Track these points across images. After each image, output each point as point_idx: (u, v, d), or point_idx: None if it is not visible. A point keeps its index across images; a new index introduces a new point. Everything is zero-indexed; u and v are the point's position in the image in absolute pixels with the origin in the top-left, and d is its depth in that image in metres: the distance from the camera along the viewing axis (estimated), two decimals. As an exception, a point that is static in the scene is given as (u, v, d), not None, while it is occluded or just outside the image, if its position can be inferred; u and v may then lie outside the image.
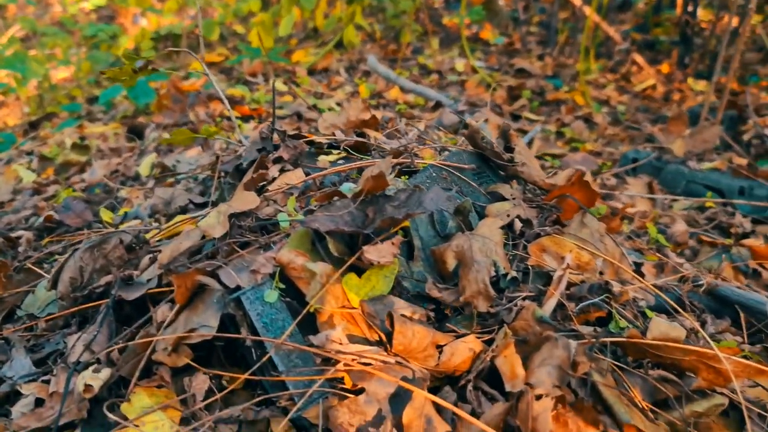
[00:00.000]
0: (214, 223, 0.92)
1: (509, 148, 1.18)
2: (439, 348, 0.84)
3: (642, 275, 1.09)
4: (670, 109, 2.83)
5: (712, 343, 0.80)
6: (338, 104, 2.50)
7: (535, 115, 2.65)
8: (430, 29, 4.41)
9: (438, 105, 2.25)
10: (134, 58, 1.18)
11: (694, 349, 0.80)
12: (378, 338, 0.84)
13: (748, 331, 1.03)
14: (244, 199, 0.94)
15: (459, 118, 2.17)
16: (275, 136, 1.22)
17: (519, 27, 4.25)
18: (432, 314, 0.91)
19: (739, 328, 1.04)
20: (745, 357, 0.99)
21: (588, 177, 1.11)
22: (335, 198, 0.94)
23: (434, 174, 1.07)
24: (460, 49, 4.05)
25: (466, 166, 1.10)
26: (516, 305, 0.90)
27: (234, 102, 2.49)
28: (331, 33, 3.79)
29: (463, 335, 0.86)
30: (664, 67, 3.91)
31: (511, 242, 1.05)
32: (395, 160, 1.09)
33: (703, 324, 1.01)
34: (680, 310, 0.97)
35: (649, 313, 1.00)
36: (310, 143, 1.26)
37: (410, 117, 2.23)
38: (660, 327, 0.82)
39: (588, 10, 3.58)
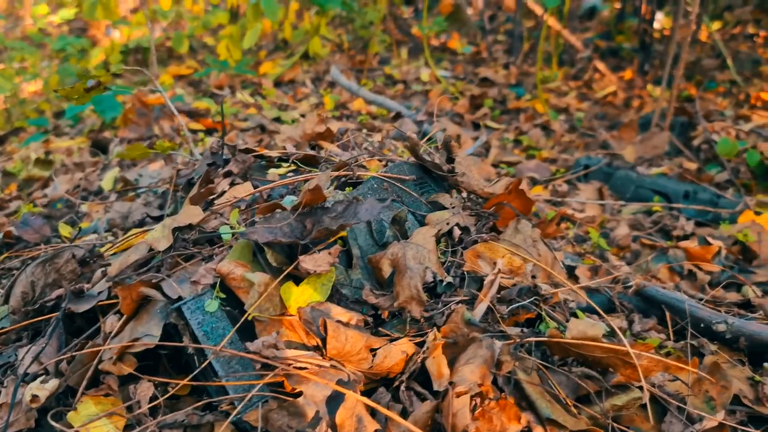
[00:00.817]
0: (160, 236, 0.96)
1: (451, 159, 1.23)
2: (374, 351, 0.88)
3: (576, 278, 1.15)
4: (627, 116, 2.92)
5: (624, 340, 0.85)
6: (302, 116, 2.55)
7: (496, 124, 2.72)
8: (395, 39, 4.48)
9: (398, 116, 2.30)
10: (87, 76, 1.21)
11: (609, 347, 0.85)
12: (315, 344, 0.88)
13: (674, 328, 1.09)
14: (189, 214, 0.98)
15: (418, 128, 2.23)
16: (227, 150, 1.26)
17: (485, 36, 4.34)
18: (370, 319, 0.95)
19: (665, 326, 1.10)
20: (667, 353, 1.05)
21: (524, 186, 1.17)
22: (276, 210, 0.98)
23: (376, 185, 1.12)
24: (426, 58, 4.12)
25: (407, 177, 1.15)
26: (449, 309, 0.95)
27: (199, 115, 2.52)
28: (300, 44, 3.84)
29: (397, 339, 0.91)
30: (627, 74, 4.01)
31: (450, 249, 1.10)
32: (337, 173, 1.14)
33: (630, 323, 1.07)
34: (599, 311, 1.03)
35: (579, 313, 1.06)
36: (261, 157, 1.31)
37: (371, 127, 2.28)
38: (578, 326, 0.87)
39: (549, 20, 3.67)
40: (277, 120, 2.52)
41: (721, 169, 2.19)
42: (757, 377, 1.00)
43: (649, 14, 3.79)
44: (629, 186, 1.92)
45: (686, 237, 1.61)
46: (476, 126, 2.73)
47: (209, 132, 2.42)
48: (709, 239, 1.59)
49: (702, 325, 1.04)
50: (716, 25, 5.14)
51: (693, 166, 2.26)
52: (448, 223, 1.11)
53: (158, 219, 1.45)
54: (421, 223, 1.12)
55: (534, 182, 1.97)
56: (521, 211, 1.16)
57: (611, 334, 1.03)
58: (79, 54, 4.50)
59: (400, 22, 5.29)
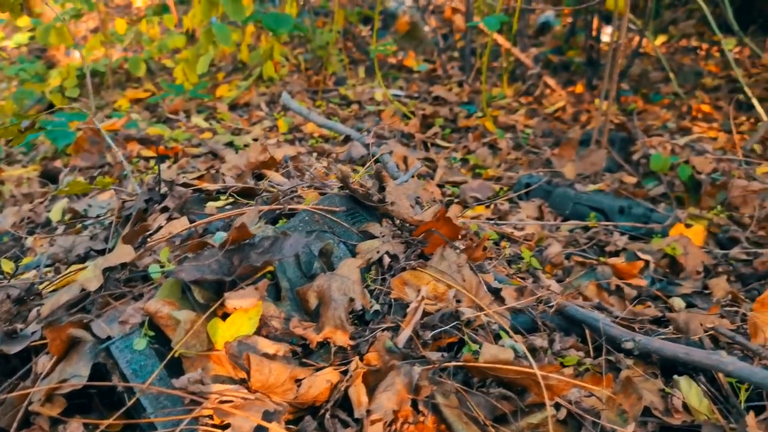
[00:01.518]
0: (91, 276, 0.99)
1: (382, 188, 1.28)
2: (299, 381, 0.92)
3: (502, 300, 1.20)
4: (574, 131, 3.02)
5: (533, 362, 0.91)
6: (254, 140, 2.58)
7: (445, 143, 2.79)
8: (353, 58, 4.54)
9: (348, 138, 2.35)
10: (21, 117, 1.23)
11: (520, 369, 0.90)
12: (242, 377, 0.92)
13: (594, 345, 1.16)
14: (120, 253, 1.00)
15: (367, 151, 2.28)
16: (164, 185, 1.29)
17: (440, 54, 4.43)
18: (299, 349, 0.99)
19: (586, 343, 1.16)
20: (586, 369, 1.11)
21: (450, 213, 1.22)
22: (204, 248, 1.02)
23: (307, 218, 1.16)
24: (383, 77, 4.19)
25: (337, 209, 1.19)
26: (373, 337, 1.00)
27: (151, 142, 2.54)
28: (257, 66, 3.88)
29: (322, 368, 0.95)
30: (578, 88, 4.14)
31: (380, 276, 1.15)
32: (268, 208, 1.18)
33: (551, 341, 1.13)
34: (521, 332, 1.09)
35: (503, 334, 1.11)
36: (200, 190, 1.34)
37: (321, 151, 2.32)
38: (490, 351, 0.92)
39: (498, 38, 3.78)
40: (230, 145, 2.55)
41: (658, 183, 2.28)
42: (667, 389, 1.07)
43: (596, 29, 3.93)
44: (567, 203, 2.00)
45: (618, 252, 1.69)
46: (427, 145, 2.79)
47: (162, 159, 2.43)
48: (639, 254, 1.66)
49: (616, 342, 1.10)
50: (661, 39, 5.34)
51: (632, 180, 2.35)
52: (378, 252, 1.16)
53: (102, 252, 1.46)
54: (353, 252, 1.16)
55: (477, 201, 2.03)
56: (449, 238, 1.21)
57: (532, 354, 1.09)
58: (35, 78, 4.47)
59: (358, 41, 5.36)
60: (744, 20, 4.86)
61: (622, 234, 1.84)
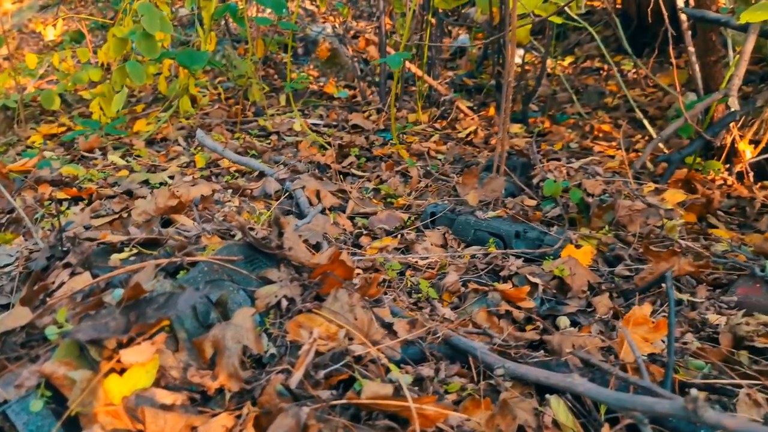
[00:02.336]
0: (-12, 341, 1.02)
1: (281, 234, 1.37)
2: (195, 429, 0.99)
3: (395, 333, 1.31)
4: (481, 156, 3.19)
5: (408, 395, 1.01)
6: (170, 177, 2.61)
7: (361, 172, 2.89)
8: (267, 90, 4.61)
9: (262, 174, 2.42)
10: None
11: (394, 403, 1.00)
12: (140, 429, 0.97)
13: (477, 370, 1.27)
14: (17, 316, 1.04)
15: (281, 186, 2.36)
16: (66, 241, 1.33)
17: (359, 80, 4.55)
18: (198, 396, 1.06)
19: (470, 370, 1.28)
20: (469, 394, 1.22)
21: (344, 255, 1.32)
22: (102, 306, 1.07)
23: (206, 268, 1.23)
24: (303, 105, 4.28)
25: (235, 258, 1.27)
26: (268, 380, 1.07)
27: (64, 184, 2.52)
28: (175, 98, 3.88)
29: (218, 414, 1.02)
30: (491, 111, 4.35)
31: (278, 320, 1.23)
32: (167, 261, 1.24)
33: (437, 371, 1.23)
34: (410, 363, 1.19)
35: (392, 368, 1.21)
36: (103, 243, 1.38)
37: (236, 188, 2.38)
38: (371, 387, 1.02)
39: (411, 66, 3.94)
40: (146, 183, 2.57)
41: (555, 205, 2.46)
42: (540, 408, 1.19)
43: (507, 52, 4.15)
44: (469, 230, 2.13)
45: (511, 276, 1.83)
46: (344, 175, 2.89)
47: (75, 200, 2.43)
48: (529, 277, 1.81)
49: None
50: (569, 60, 5.67)
51: (533, 203, 2.52)
52: (276, 296, 1.24)
53: (7, 307, 1.48)
54: (252, 298, 1.24)
55: (386, 232, 2.14)
56: (343, 278, 1.31)
57: (420, 384, 1.19)
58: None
59: (280, 68, 5.44)
60: (639, 42, 5.25)
61: (518, 258, 1.99)
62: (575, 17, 3.63)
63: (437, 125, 3.92)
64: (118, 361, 0.99)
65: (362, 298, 1.30)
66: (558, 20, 3.41)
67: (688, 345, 1.60)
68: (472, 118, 4.04)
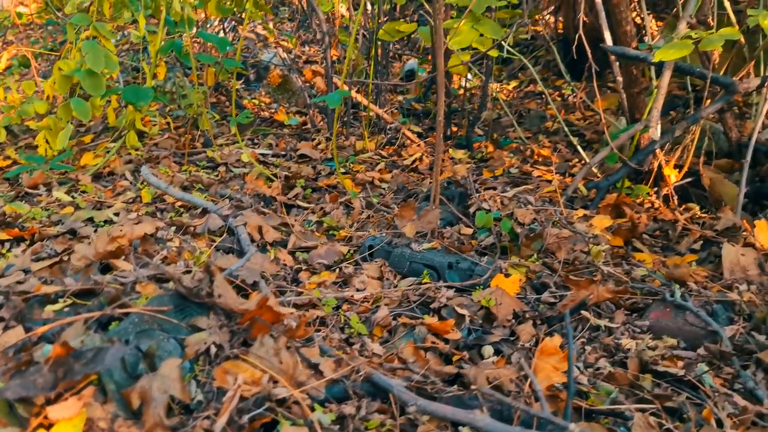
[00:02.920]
0: None
1: (211, 281, 1.44)
2: (121, 478, 1.05)
3: (321, 373, 1.39)
4: (425, 185, 3.31)
5: (322, 438, 1.09)
6: (116, 214, 2.64)
7: (307, 203, 2.98)
8: (218, 118, 4.66)
9: (205, 211, 2.48)
10: None
11: (310, 445, 1.09)
12: (68, 480, 1.03)
13: (396, 406, 1.36)
14: (-53, 376, 1.09)
15: (224, 222, 2.42)
16: None
17: (310, 107, 4.65)
18: (126, 446, 1.12)
19: (391, 406, 1.37)
20: (389, 430, 1.31)
21: (271, 301, 1.40)
22: (31, 363, 1.13)
23: (137, 319, 1.30)
24: (253, 134, 4.34)
25: (165, 308, 1.34)
26: (193, 427, 1.15)
27: (6, 223, 2.54)
28: (124, 129, 3.90)
29: (144, 462, 1.09)
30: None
31: (207, 366, 1.30)
32: (99, 314, 1.30)
33: (359, 408, 1.32)
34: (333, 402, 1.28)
35: (317, 407, 1.30)
36: (36, 296, 1.43)
37: (180, 225, 2.43)
38: (289, 430, 1.10)
39: (357, 96, 4.06)
40: (91, 221, 2.60)
41: (489, 233, 2.59)
42: (453, 440, 1.29)
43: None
44: (405, 262, 2.24)
45: (441, 308, 1.93)
46: (290, 207, 2.97)
47: (17, 241, 2.44)
48: (457, 308, 1.92)
49: (412, 403, 1.32)
50: (513, 84, 5.89)
51: (469, 231, 2.64)
52: (205, 343, 1.31)
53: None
54: (182, 346, 1.31)
55: (326, 267, 2.23)
56: (271, 322, 1.39)
57: (340, 423, 1.28)
58: None
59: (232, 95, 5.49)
60: (579, 68, 5.50)
61: (449, 288, 2.10)
62: (511, 50, 3.80)
63: (384, 152, 4.04)
64: (46, 417, 1.05)
65: (290, 341, 1.39)
66: (495, 53, 3.57)
67: (601, 370, 1.73)
68: (418, 145, 4.17)
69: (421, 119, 5.13)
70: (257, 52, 6.32)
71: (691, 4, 2.82)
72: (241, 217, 2.38)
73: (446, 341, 1.78)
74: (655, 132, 2.79)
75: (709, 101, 3.10)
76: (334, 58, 5.61)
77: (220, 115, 5.05)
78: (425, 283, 2.17)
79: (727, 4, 3.67)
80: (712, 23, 3.57)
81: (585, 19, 3.31)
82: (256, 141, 4.19)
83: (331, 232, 2.60)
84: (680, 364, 1.73)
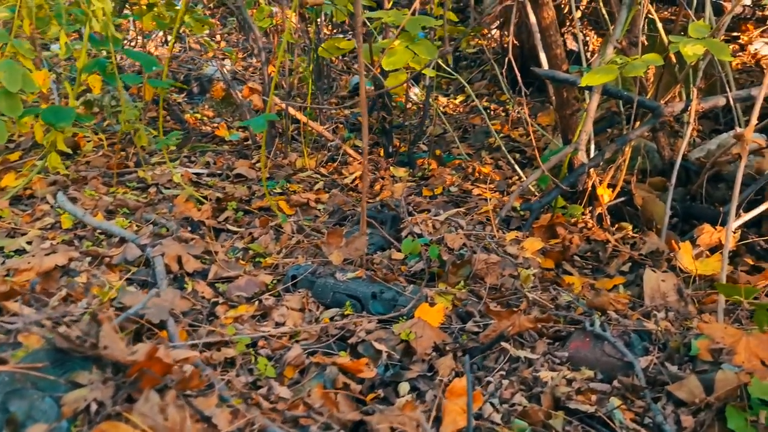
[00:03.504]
0: None
1: (98, 331, 1.36)
2: None
3: (215, 427, 1.33)
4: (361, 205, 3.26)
5: None
6: (28, 243, 2.52)
7: (237, 227, 2.90)
8: (157, 134, 4.53)
9: (123, 240, 2.39)
10: None
11: None
12: None
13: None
14: None
15: (142, 252, 2.33)
16: None
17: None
18: None
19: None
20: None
21: (161, 351, 1.33)
22: None
23: (8, 379, 1.21)
24: (190, 151, 4.23)
25: (40, 365, 1.25)
26: (60, 498, 1.07)
27: None
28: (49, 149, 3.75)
29: None
30: (381, 153, 4.46)
31: (85, 426, 1.22)
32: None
33: (251, 464, 1.26)
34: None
35: (205, 465, 1.23)
36: None
37: (95, 254, 2.33)
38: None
39: (297, 114, 4.00)
40: (1, 250, 2.47)
41: (419, 259, 2.56)
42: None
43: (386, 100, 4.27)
44: (328, 292, 2.18)
45: (358, 344, 1.89)
46: (219, 231, 2.89)
47: None
48: (375, 344, 1.87)
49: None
50: (460, 98, 5.91)
51: (400, 256, 2.61)
52: (85, 400, 1.24)
53: None
54: (59, 404, 1.23)
55: (246, 299, 2.16)
56: (161, 374, 1.32)
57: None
58: None
59: (174, 108, 5.36)
60: (523, 82, 5.56)
61: (372, 321, 2.05)
62: (448, 68, 3.80)
63: (325, 170, 3.98)
64: None
65: (180, 393, 1.32)
66: (432, 73, 3.57)
67: (516, 406, 1.71)
68: (360, 162, 4.13)
69: (368, 134, 5.09)
70: (202, 65, 6.20)
71: (618, 29, 2.86)
72: (159, 246, 2.29)
73: (361, 380, 1.74)
74: (584, 155, 2.81)
75: (638, 123, 3.15)
76: (272, 74, 5.54)
77: (157, 131, 4.92)
78: (347, 315, 2.12)
79: (659, 26, 3.75)
80: (644, 42, 3.64)
81: (515, 41, 3.33)
82: (193, 159, 4.08)
83: (257, 259, 2.53)
84: (594, 398, 1.72)
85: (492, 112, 5.44)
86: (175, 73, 5.99)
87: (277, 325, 2.05)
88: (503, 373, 1.89)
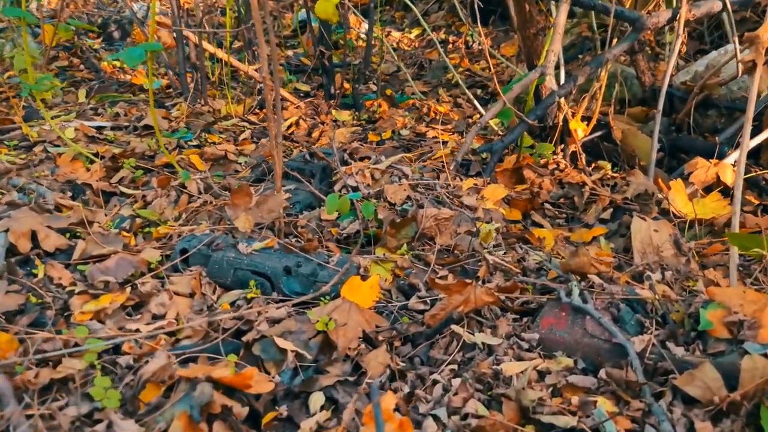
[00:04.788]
0: None
1: None
2: None
3: None
4: (293, 157, 2.73)
5: None
6: None
7: (133, 190, 2.35)
8: (63, 85, 3.90)
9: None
10: None
11: None
12: None
13: None
14: None
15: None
16: None
17: (170, 68, 3.94)
18: None
19: None
20: None
21: None
22: None
23: None
24: (98, 102, 3.62)
25: None
26: None
27: None
28: None
29: None
30: (322, 96, 3.89)
31: None
32: None
33: None
34: None
35: None
36: None
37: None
38: None
39: (216, 51, 3.39)
40: None
41: (354, 218, 2.05)
42: None
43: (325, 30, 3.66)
44: (228, 269, 1.68)
45: (256, 341, 1.39)
46: (110, 195, 2.34)
47: None
48: (278, 341, 1.38)
49: None
50: (416, 32, 5.30)
51: (332, 217, 2.10)
52: None
53: None
54: None
55: (119, 285, 1.64)
56: None
57: None
58: None
59: (88, 56, 4.69)
60: (486, 10, 4.96)
61: (281, 306, 1.55)
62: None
63: (255, 117, 3.41)
64: None
65: None
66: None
67: (469, 419, 1.24)
68: (297, 107, 3.56)
69: (311, 77, 4.50)
70: (122, 6, 5.48)
71: None
72: (5, 219, 1.74)
73: (256, 396, 1.25)
74: (553, 81, 2.30)
75: (615, 41, 2.63)
76: (188, 6, 4.85)
77: (68, 81, 4.27)
78: (253, 299, 1.62)
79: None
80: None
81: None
82: (100, 111, 3.47)
83: (147, 229, 1.99)
84: (575, 400, 1.26)
85: (451, 45, 4.86)
86: (92, 16, 5.27)
87: (155, 318, 1.54)
88: (454, 367, 1.42)
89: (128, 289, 1.59)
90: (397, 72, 4.57)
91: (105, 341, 1.36)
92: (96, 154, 2.55)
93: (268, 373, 1.33)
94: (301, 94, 4.00)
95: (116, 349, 1.39)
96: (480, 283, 1.67)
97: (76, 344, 1.36)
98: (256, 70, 3.49)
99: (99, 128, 3.04)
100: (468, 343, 1.48)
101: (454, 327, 1.49)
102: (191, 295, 1.63)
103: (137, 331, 1.44)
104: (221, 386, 1.19)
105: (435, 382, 1.36)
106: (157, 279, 1.67)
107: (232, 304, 1.63)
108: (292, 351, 1.35)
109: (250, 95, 3.61)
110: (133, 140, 2.87)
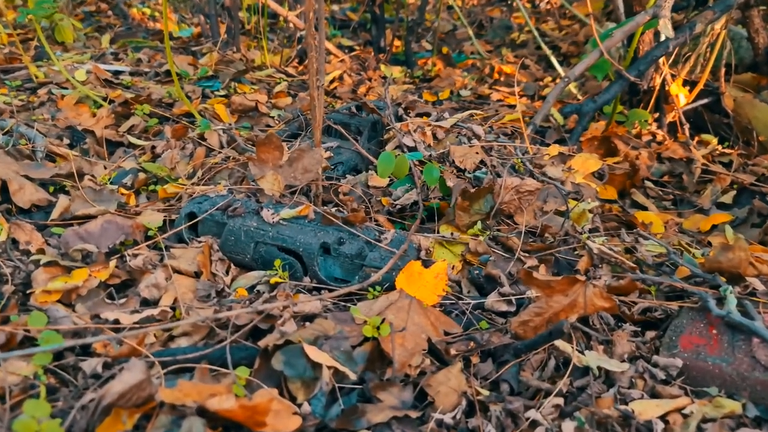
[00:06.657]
0: None
1: None
2: None
3: None
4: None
5: None
6: None
7: (143, 140, 1.95)
8: (86, 30, 3.53)
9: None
10: None
11: None
12: None
13: None
14: None
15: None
16: None
17: (201, 14, 3.53)
18: None
19: None
20: None
21: None
22: None
23: None
24: (120, 47, 3.24)
25: None
26: None
27: None
28: None
29: None
30: (370, 51, 3.45)
31: None
32: None
33: None
34: None
35: None
36: None
37: None
38: None
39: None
40: None
41: (411, 186, 1.61)
42: None
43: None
44: (248, 243, 1.26)
45: (276, 349, 0.97)
46: (117, 145, 1.95)
47: None
48: (309, 353, 0.96)
49: None
50: (475, -10, 4.78)
51: (383, 183, 1.67)
52: None
53: None
54: None
55: (105, 256, 1.23)
56: None
57: None
58: None
59: (116, 1, 4.33)
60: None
61: (318, 296, 1.13)
62: None
63: (292, 69, 2.98)
64: None
65: None
66: None
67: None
68: (341, 60, 3.12)
69: (358, 32, 4.05)
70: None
71: None
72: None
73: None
74: (668, 26, 1.81)
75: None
76: None
77: (93, 26, 3.90)
78: (277, 284, 1.21)
79: None
80: None
81: None
82: (121, 56, 3.08)
83: (151, 187, 1.59)
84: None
85: (515, 3, 4.32)
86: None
87: (144, 304, 1.13)
88: (560, 401, 0.98)
89: (113, 263, 1.19)
90: (453, 31, 4.08)
91: (66, 338, 0.95)
92: (105, 98, 2.16)
93: (293, 398, 0.91)
94: (346, 50, 3.55)
95: (85, 347, 1.00)
96: (588, 279, 1.22)
97: (28, 338, 0.96)
98: (297, 16, 3.05)
99: (116, 73, 2.65)
100: (577, 366, 1.04)
101: (557, 342, 1.05)
102: (196, 275, 1.22)
103: (116, 322, 1.04)
104: (221, 421, 0.78)
105: (535, 425, 0.93)
106: (155, 251, 1.27)
107: (250, 289, 1.22)
108: (329, 367, 0.93)
109: (288, 45, 3.18)
110: (152, 86, 2.47)
